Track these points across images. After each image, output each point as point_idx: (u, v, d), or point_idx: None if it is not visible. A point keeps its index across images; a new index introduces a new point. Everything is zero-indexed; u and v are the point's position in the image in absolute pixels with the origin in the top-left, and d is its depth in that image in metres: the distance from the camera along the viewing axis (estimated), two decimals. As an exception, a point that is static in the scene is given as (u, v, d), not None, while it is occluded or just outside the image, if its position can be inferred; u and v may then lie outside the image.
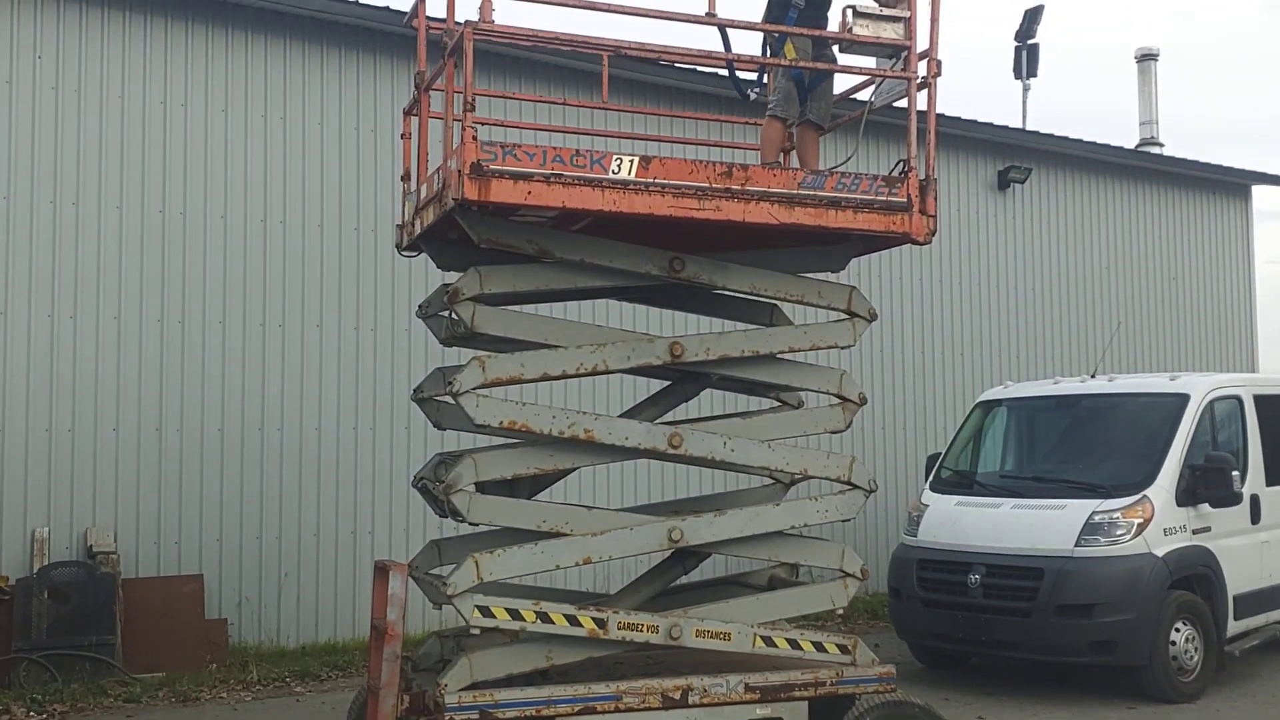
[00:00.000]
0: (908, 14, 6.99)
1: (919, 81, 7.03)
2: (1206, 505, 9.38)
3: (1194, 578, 9.28)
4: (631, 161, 6.34)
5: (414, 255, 7.91)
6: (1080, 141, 15.73)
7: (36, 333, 9.72)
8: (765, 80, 7.78)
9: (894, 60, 7.20)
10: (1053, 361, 15.40)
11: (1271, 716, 8.70)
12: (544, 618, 6.43)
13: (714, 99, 11.99)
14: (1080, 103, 45.78)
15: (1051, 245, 15.69)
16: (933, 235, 7.07)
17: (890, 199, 6.86)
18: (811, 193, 6.71)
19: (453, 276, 6.78)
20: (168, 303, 10.20)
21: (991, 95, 34.35)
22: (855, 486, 7.29)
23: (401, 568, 6.50)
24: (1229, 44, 55.15)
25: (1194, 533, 9.31)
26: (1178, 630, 8.99)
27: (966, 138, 14.68)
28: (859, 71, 7.53)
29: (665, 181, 6.37)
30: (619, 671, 6.74)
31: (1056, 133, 15.61)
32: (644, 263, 6.86)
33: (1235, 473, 9.41)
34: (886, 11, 7.03)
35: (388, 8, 10.80)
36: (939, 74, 7.06)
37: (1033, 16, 19.07)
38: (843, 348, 7.47)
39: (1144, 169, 16.86)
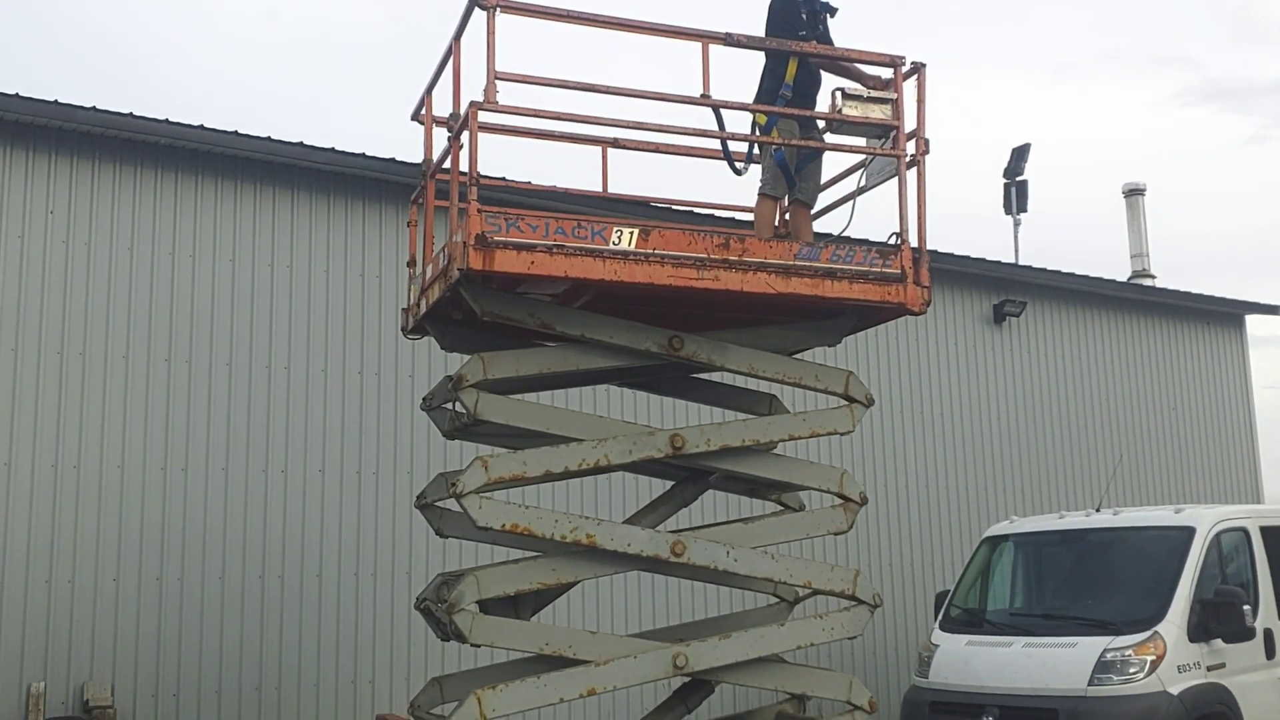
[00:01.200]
0: (894, 96, 7.24)
1: (908, 160, 7.23)
2: (1219, 641, 9.24)
3: (1211, 716, 9.07)
4: (632, 233, 6.52)
5: (418, 338, 8.05)
6: (1073, 275, 15.95)
7: (39, 483, 9.70)
8: (755, 157, 8.00)
9: (883, 140, 7.42)
10: (1056, 494, 15.34)
11: None
12: (548, 766, 6.30)
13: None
14: (1071, 236, 46.59)
15: (1049, 377, 15.77)
16: (927, 305, 7.18)
17: (885, 270, 6.99)
18: (807, 263, 6.83)
19: (454, 362, 6.82)
20: (171, 450, 10.22)
21: (983, 231, 35.04)
22: (860, 601, 7.22)
23: (403, 722, 6.39)
24: (1213, 176, 56.34)
25: (1208, 669, 9.15)
26: (1199, 772, 8.78)
27: (961, 273, 14.89)
28: (849, 150, 7.73)
29: (665, 252, 6.51)
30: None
31: (1049, 266, 15.86)
32: (643, 339, 6.92)
33: (1246, 607, 9.30)
34: (874, 94, 7.28)
35: (393, 159, 11.08)
36: (927, 151, 7.31)
37: (1020, 154, 19.59)
38: (842, 434, 7.54)
39: (1138, 301, 17.06)
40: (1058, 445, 15.64)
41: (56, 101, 9.81)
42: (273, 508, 10.57)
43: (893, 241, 7.16)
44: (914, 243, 7.26)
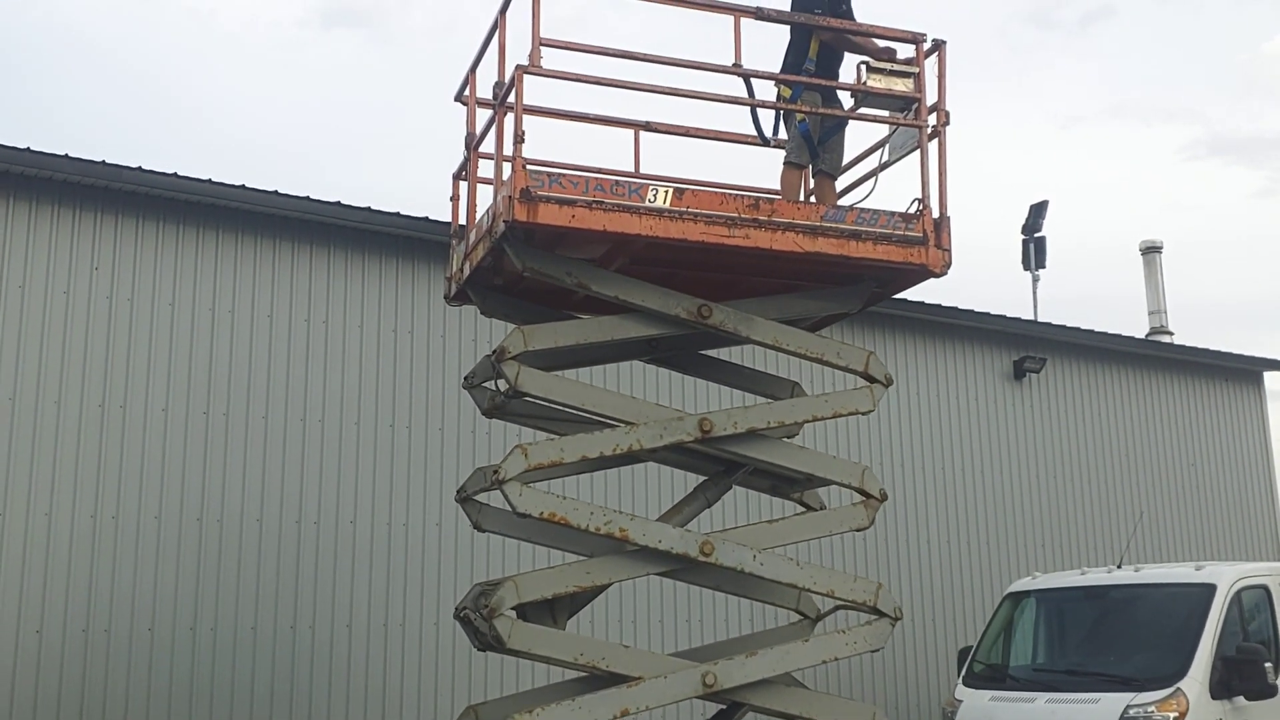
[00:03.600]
0: (916, 70, 7.61)
1: (930, 131, 7.59)
2: (1241, 698, 9.27)
3: (1235, 775, 9.12)
4: (667, 191, 6.94)
5: (459, 305, 8.43)
6: (1092, 332, 16.09)
7: (79, 532, 9.91)
8: (782, 141, 8.37)
9: (905, 113, 7.76)
10: (1077, 550, 15.38)
11: None
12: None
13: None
14: (1089, 292, 46.74)
15: (1069, 434, 15.87)
16: (948, 268, 7.50)
17: (907, 233, 7.31)
18: (833, 225, 7.23)
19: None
20: (208, 501, 10.43)
21: (1002, 288, 35.27)
22: (882, 614, 7.39)
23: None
24: (1224, 229, 56.42)
25: (1231, 727, 9.20)
26: (1224, 832, 8.80)
27: (981, 329, 15.07)
28: (870, 119, 8.05)
29: (698, 210, 6.91)
30: None
31: (1068, 323, 16.02)
32: (674, 305, 7.27)
33: (1268, 664, 9.35)
34: (898, 67, 7.65)
35: (426, 218, 11.36)
36: (948, 123, 7.67)
37: (1038, 211, 19.88)
38: (863, 413, 7.81)
39: (1156, 357, 17.17)
40: (1079, 501, 15.71)
41: (104, 162, 10.14)
42: (305, 558, 10.75)
43: (915, 208, 7.48)
44: (936, 213, 7.58)
